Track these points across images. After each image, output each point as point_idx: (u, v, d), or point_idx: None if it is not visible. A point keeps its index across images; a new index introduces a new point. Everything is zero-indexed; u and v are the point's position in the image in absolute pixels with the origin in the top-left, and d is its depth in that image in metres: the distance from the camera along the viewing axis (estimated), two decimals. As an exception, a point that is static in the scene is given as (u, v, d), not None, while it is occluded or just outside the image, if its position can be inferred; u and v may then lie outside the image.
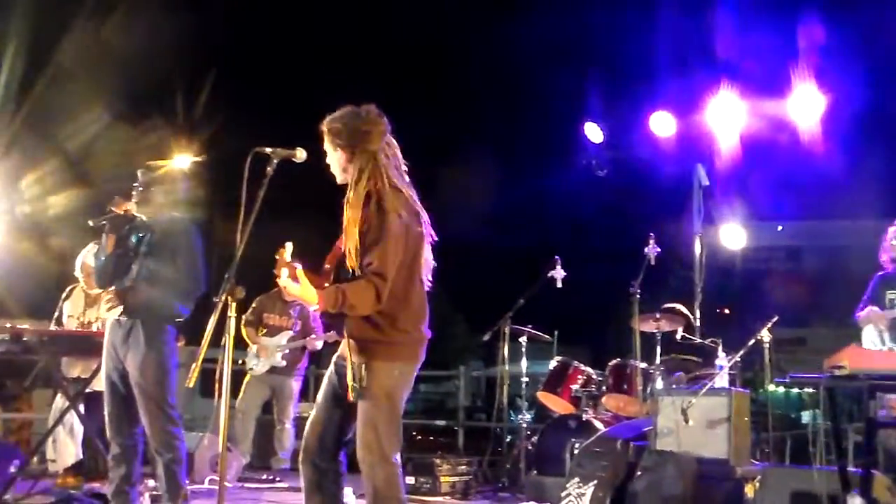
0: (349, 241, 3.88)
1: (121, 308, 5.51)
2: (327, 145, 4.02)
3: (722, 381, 6.90)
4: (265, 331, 8.95)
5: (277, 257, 3.62)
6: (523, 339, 8.62)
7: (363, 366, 3.90)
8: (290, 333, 8.83)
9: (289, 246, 3.62)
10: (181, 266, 5.55)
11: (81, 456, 7.59)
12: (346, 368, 3.94)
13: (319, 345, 8.83)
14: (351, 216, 3.89)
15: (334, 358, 4.16)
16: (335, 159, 4.03)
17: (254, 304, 9.01)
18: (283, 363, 8.77)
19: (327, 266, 4.02)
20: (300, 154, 3.98)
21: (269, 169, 3.87)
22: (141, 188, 5.62)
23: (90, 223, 5.63)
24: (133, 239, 5.67)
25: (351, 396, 3.90)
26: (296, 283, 3.66)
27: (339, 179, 4.04)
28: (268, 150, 3.90)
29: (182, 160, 16.00)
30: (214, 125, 16.02)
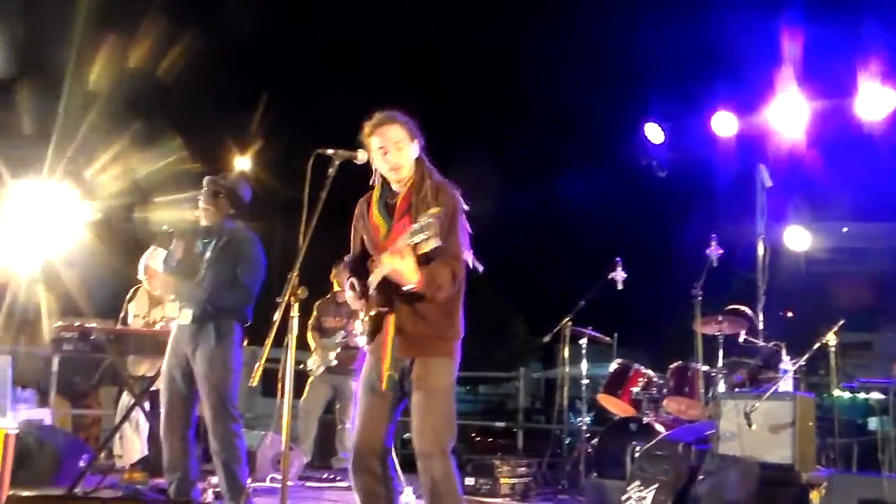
0: None
1: (190, 312, 5.61)
2: (402, 138, 4.11)
3: (786, 385, 6.78)
4: (324, 333, 9.04)
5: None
6: (583, 342, 8.57)
7: (419, 361, 3.98)
8: (343, 333, 8.90)
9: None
10: (245, 273, 5.66)
11: (147, 452, 7.71)
12: (385, 359, 4.01)
13: (361, 341, 8.87)
14: (426, 205, 3.97)
15: (370, 360, 4.20)
16: (409, 151, 4.12)
17: (314, 311, 9.10)
18: (335, 363, 8.83)
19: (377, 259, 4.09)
20: (361, 155, 4.02)
21: (330, 170, 3.92)
22: (206, 196, 5.74)
23: (163, 229, 5.79)
24: (199, 245, 5.79)
25: (385, 385, 3.98)
26: (403, 260, 3.74)
27: (404, 174, 4.12)
28: (329, 151, 3.95)
29: (243, 164, 16.31)
30: (274, 130, 16.20)
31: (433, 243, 3.64)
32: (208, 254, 5.73)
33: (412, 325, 3.99)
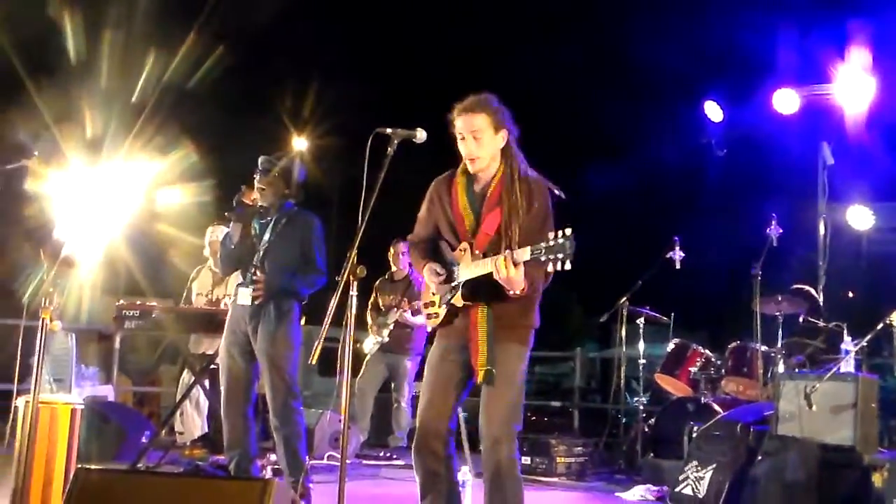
0: (513, 223, 3.98)
1: (248, 292, 5.69)
2: (483, 128, 4.08)
3: (847, 365, 6.69)
4: (380, 312, 9.10)
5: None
6: (640, 321, 8.54)
7: (498, 348, 4.00)
8: (396, 311, 8.95)
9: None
10: (304, 253, 5.73)
11: (207, 429, 7.84)
12: (479, 354, 3.99)
13: (410, 318, 8.91)
14: (519, 200, 4.00)
15: (442, 343, 4.21)
16: (493, 141, 4.10)
17: (374, 290, 9.17)
18: (387, 340, 8.88)
19: (462, 248, 4.11)
20: (420, 135, 4.01)
21: (389, 150, 3.91)
22: (263, 176, 5.79)
23: (226, 214, 5.89)
24: (256, 225, 5.85)
25: (481, 379, 3.96)
26: (517, 270, 3.77)
27: (481, 165, 4.12)
28: (388, 130, 3.94)
29: (300, 144, 16.40)
30: (331, 109, 16.23)
31: (565, 266, 3.63)
32: (266, 235, 5.79)
33: (498, 320, 4.02)
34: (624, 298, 8.52)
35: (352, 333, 3.76)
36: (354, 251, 3.74)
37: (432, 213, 4.30)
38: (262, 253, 5.76)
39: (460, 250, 4.12)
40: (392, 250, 9.09)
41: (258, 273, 5.69)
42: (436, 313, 4.19)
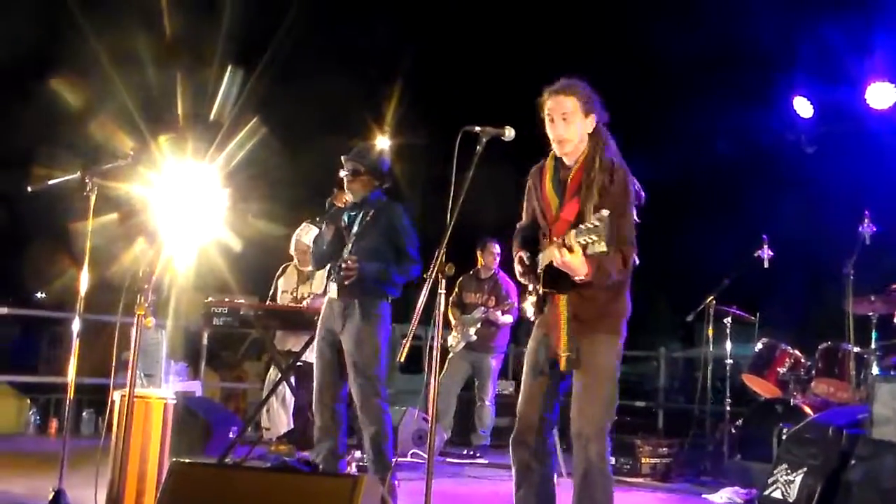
0: (589, 206, 3.94)
1: (335, 286, 5.75)
2: (572, 110, 4.08)
3: (946, 368, 6.50)
4: (464, 309, 9.11)
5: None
6: (727, 321, 8.41)
7: (587, 340, 3.97)
8: (483, 309, 8.94)
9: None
10: (394, 242, 5.77)
11: (293, 425, 7.94)
12: (561, 341, 3.98)
13: (500, 317, 8.89)
14: (597, 182, 3.98)
15: (537, 334, 4.19)
16: (579, 126, 4.09)
17: (456, 287, 9.19)
18: (475, 338, 8.88)
19: (544, 234, 4.11)
20: (509, 132, 4.00)
21: (477, 147, 3.92)
22: (352, 176, 5.84)
23: (318, 220, 6.04)
24: (345, 218, 5.92)
25: (564, 366, 3.95)
26: (571, 255, 3.76)
27: (569, 148, 4.10)
28: (476, 128, 3.95)
29: (383, 144, 16.47)
30: (417, 104, 16.30)
31: (600, 248, 3.62)
32: (355, 227, 5.85)
33: (581, 308, 3.99)
34: (711, 297, 8.40)
35: (440, 331, 3.78)
36: (443, 249, 3.76)
37: (529, 201, 4.32)
38: (350, 244, 5.82)
39: (543, 237, 4.14)
40: (482, 248, 9.09)
41: (349, 262, 5.73)
42: (533, 303, 4.20)
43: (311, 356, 6.28)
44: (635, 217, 4.04)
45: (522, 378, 4.19)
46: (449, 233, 3.78)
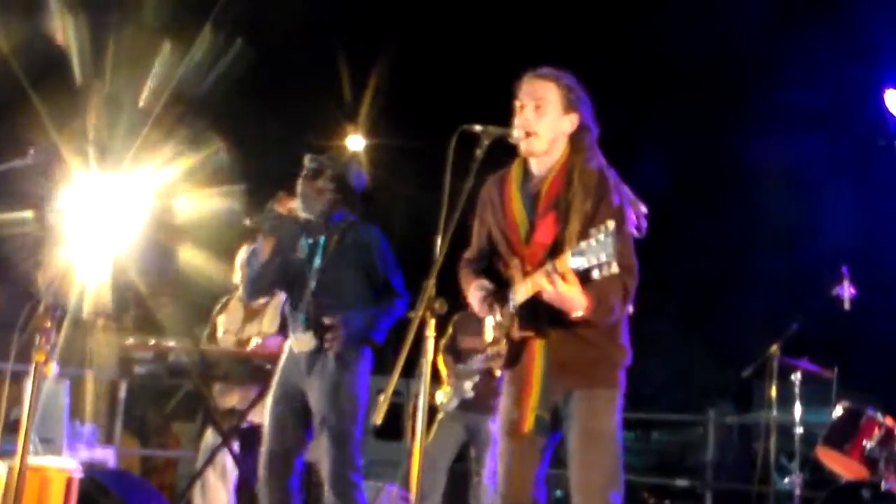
0: (573, 227, 3.98)
1: (310, 336, 5.72)
2: (548, 100, 4.16)
3: None
4: (459, 357, 9.05)
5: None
6: (796, 377, 8.40)
7: (577, 395, 4.05)
8: (483, 357, 8.89)
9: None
10: (370, 276, 5.75)
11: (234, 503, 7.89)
12: (530, 396, 4.05)
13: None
14: (580, 196, 4.02)
15: (510, 392, 4.27)
16: (557, 123, 4.17)
17: (450, 327, 9.14)
18: (472, 395, 8.83)
19: (513, 264, 4.13)
20: (518, 132, 4.03)
21: (478, 151, 3.94)
22: (308, 178, 5.82)
23: (246, 222, 5.90)
24: (303, 245, 5.88)
25: (528, 426, 4.04)
26: (568, 285, 3.77)
27: (537, 146, 4.17)
28: (477, 127, 3.98)
29: (355, 143, 16.54)
30: (397, 100, 16.39)
31: (612, 270, 3.63)
32: (317, 260, 5.81)
33: (568, 351, 4.05)
34: (774, 346, 8.39)
35: (428, 386, 3.76)
36: (432, 281, 3.75)
37: (484, 221, 4.40)
38: (315, 283, 5.78)
39: (512, 267, 4.16)
40: None
41: (313, 305, 5.68)
42: (498, 352, 4.22)
43: (260, 416, 6.24)
44: (632, 239, 4.10)
45: (498, 450, 4.26)
46: (441, 260, 3.77)
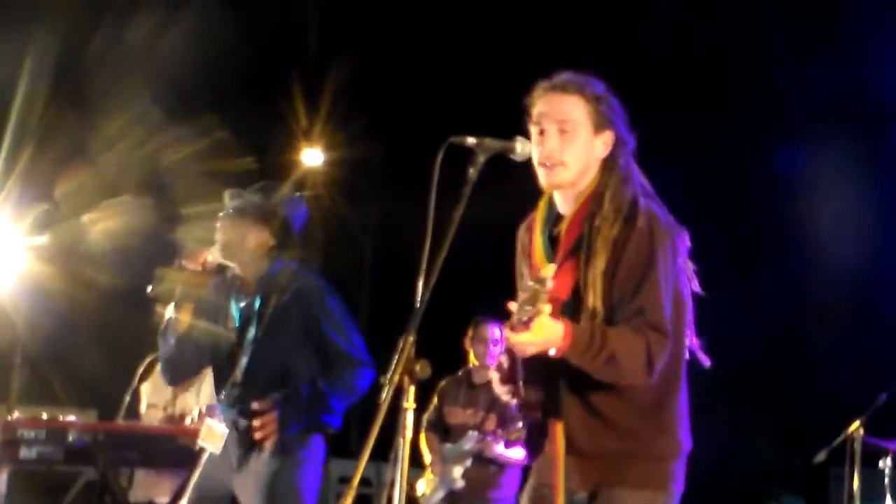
0: (593, 272, 3.99)
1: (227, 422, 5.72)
2: (574, 119, 4.14)
3: None
4: (447, 436, 9.05)
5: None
6: (886, 463, 8.44)
7: (605, 497, 4.01)
8: (475, 436, 8.86)
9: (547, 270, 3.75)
10: (319, 341, 5.73)
11: None
12: (557, 492, 4.02)
13: (505, 451, 8.81)
14: (603, 234, 4.02)
15: (531, 483, 4.27)
16: (588, 144, 4.16)
17: (434, 397, 9.13)
18: (461, 484, 8.81)
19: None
20: (522, 147, 4.04)
21: (471, 171, 3.94)
22: (230, 221, 5.78)
23: (149, 292, 5.83)
24: (234, 309, 5.87)
25: None
26: (520, 334, 3.76)
27: (563, 177, 4.15)
28: (470, 140, 3.97)
29: (311, 158, 16.56)
30: (365, 106, 16.50)
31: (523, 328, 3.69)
32: (251, 329, 5.79)
33: (590, 435, 4.04)
34: (856, 423, 8.43)
35: (405, 472, 3.78)
36: (411, 337, 3.76)
37: (522, 274, 4.39)
38: (248, 359, 5.77)
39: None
40: (471, 334, 9.05)
41: (242, 390, 5.67)
42: (518, 437, 4.24)
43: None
44: (675, 294, 4.06)
45: None
46: (423, 309, 3.79)
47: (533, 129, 4.17)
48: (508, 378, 4.15)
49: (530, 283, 3.62)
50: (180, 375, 6.12)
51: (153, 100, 14.41)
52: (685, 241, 4.18)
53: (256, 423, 5.59)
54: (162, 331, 6.01)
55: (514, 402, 4.22)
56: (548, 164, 4.12)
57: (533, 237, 4.27)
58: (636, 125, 4.27)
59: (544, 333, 3.75)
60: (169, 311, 5.89)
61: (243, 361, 5.80)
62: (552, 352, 3.82)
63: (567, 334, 3.79)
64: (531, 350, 3.80)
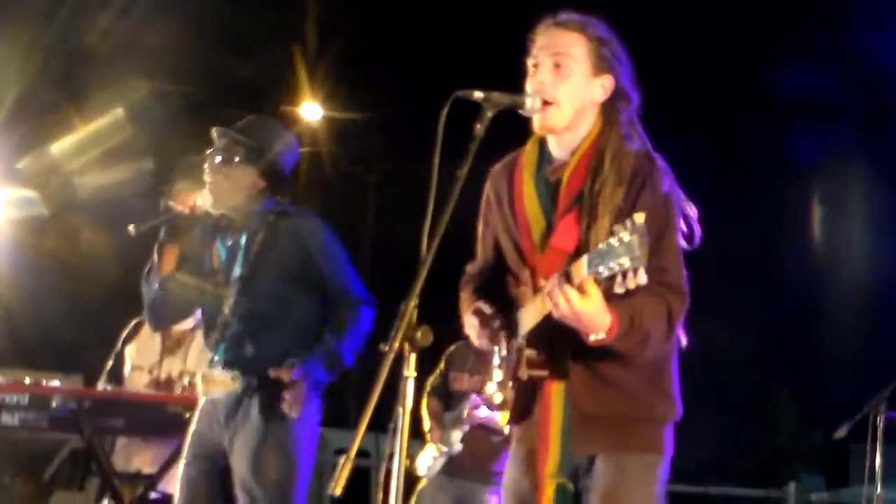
0: (601, 225, 3.93)
1: (227, 376, 5.69)
2: (572, 54, 4.11)
3: None
4: (450, 403, 9.00)
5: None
6: (906, 441, 8.45)
7: (605, 460, 4.03)
8: (474, 400, 8.82)
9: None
10: (317, 285, 5.71)
11: None
12: (549, 457, 4.04)
13: (487, 416, 8.75)
14: (611, 183, 4.00)
15: (518, 453, 4.30)
16: (584, 88, 4.14)
17: (441, 363, 9.09)
18: (459, 447, 8.78)
19: (523, 278, 4.13)
20: (532, 101, 4.02)
21: (478, 127, 3.91)
22: (217, 162, 5.74)
23: (131, 230, 5.79)
24: (219, 249, 5.85)
25: (548, 499, 3.99)
26: (586, 300, 3.70)
27: (555, 119, 4.12)
28: (477, 94, 3.93)
29: (311, 113, 16.59)
30: (367, 58, 16.48)
31: (638, 279, 3.55)
32: (238, 266, 5.76)
33: (595, 398, 4.02)
34: (876, 403, 8.43)
35: (405, 444, 3.77)
36: (413, 301, 3.74)
37: (490, 222, 4.40)
38: (236, 298, 5.74)
39: (522, 283, 4.15)
40: None
41: (234, 330, 5.67)
42: (504, 400, 4.21)
43: (173, 484, 6.25)
44: (681, 249, 4.07)
45: None
46: (425, 273, 3.77)
47: (529, 64, 4.17)
48: (490, 332, 4.14)
49: (622, 234, 3.50)
50: (164, 320, 6.11)
51: (146, 52, 14.43)
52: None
53: (284, 396, 5.50)
54: (145, 273, 5.95)
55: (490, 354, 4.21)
56: (540, 101, 4.07)
57: (519, 184, 4.23)
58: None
59: (597, 313, 3.72)
60: (153, 255, 5.86)
61: (230, 302, 5.74)
62: (599, 336, 3.78)
63: (612, 327, 3.76)
64: (575, 319, 3.74)
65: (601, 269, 3.56)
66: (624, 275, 3.53)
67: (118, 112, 12.94)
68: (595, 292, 3.66)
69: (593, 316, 3.72)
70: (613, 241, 3.53)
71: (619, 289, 3.59)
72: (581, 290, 3.67)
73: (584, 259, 3.65)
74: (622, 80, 4.16)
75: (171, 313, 5.97)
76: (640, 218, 3.52)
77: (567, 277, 3.71)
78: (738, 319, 19.31)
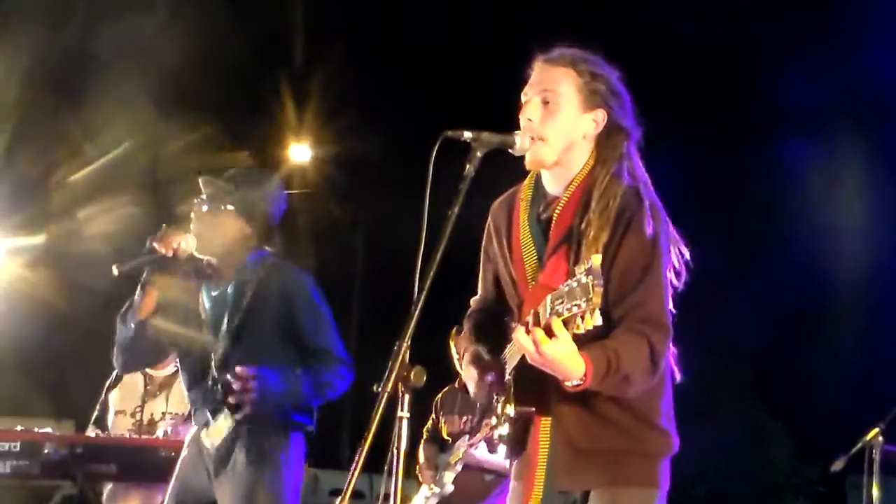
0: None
1: (223, 421, 5.69)
2: (561, 90, 4.12)
3: None
4: (444, 448, 9.01)
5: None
6: (906, 472, 8.44)
7: (599, 496, 4.03)
8: (466, 440, 8.83)
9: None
10: (297, 338, 5.70)
11: None
12: (532, 492, 4.05)
13: (485, 456, 8.75)
14: (596, 223, 3.99)
15: (515, 483, 4.30)
16: (573, 124, 4.13)
17: (436, 405, 9.09)
18: (451, 489, 8.77)
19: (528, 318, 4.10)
20: (521, 141, 4.03)
21: (468, 167, 3.92)
22: (204, 210, 5.74)
23: (115, 270, 5.75)
24: (205, 297, 5.84)
25: None
26: (553, 342, 3.68)
27: (545, 154, 4.12)
28: (466, 134, 3.94)
29: (300, 154, 16.60)
30: (356, 99, 16.53)
31: (593, 321, 3.55)
32: (225, 319, 5.76)
33: (587, 433, 4.03)
34: (874, 432, 8.43)
35: (400, 482, 3.77)
36: (406, 342, 3.75)
37: (491, 257, 4.40)
38: (223, 351, 5.74)
39: (516, 319, 4.15)
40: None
41: (222, 382, 5.64)
42: (500, 436, 4.21)
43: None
44: (670, 287, 4.07)
45: None
46: (418, 312, 3.78)
47: (523, 100, 4.17)
48: (486, 377, 4.14)
49: (580, 276, 3.52)
50: (133, 362, 6.06)
51: (141, 97, 14.49)
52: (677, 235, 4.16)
53: (235, 385, 5.43)
54: (122, 312, 5.89)
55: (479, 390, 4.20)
56: (528, 132, 4.07)
57: (515, 217, 4.24)
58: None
59: (567, 360, 3.71)
60: (136, 296, 5.79)
61: (218, 354, 5.72)
62: (573, 383, 3.78)
63: (588, 374, 3.75)
64: (545, 365, 3.74)
65: (560, 309, 3.58)
66: (582, 316, 3.53)
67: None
68: (563, 334, 3.65)
69: (564, 360, 3.71)
70: (573, 282, 3.54)
71: (576, 330, 3.60)
72: (549, 331, 3.66)
73: (548, 299, 3.66)
74: (617, 114, 4.16)
75: (142, 356, 5.95)
76: (596, 260, 3.53)
77: (536, 318, 3.72)
78: (735, 351, 19.40)
